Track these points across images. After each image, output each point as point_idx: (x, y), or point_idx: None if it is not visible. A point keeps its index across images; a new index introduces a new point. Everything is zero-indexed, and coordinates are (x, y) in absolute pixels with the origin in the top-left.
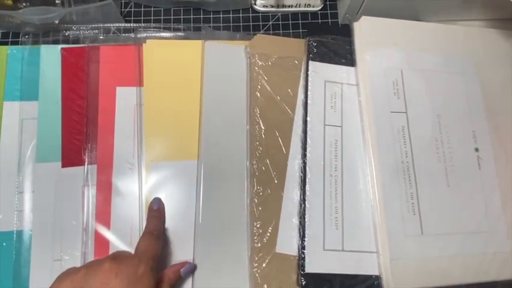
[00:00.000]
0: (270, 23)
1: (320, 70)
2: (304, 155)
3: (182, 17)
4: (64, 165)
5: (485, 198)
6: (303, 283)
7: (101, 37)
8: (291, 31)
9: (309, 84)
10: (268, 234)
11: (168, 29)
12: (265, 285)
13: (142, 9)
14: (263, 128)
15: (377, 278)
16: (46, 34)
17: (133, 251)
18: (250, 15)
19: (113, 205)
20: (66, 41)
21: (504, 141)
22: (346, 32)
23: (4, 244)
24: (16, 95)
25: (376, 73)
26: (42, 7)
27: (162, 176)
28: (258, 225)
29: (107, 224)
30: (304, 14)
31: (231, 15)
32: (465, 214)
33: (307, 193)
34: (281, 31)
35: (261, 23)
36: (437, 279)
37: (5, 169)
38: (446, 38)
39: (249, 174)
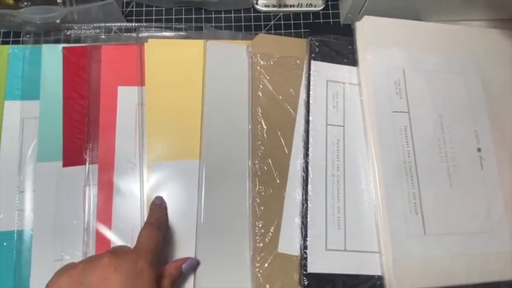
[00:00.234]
0: (272, 22)
1: (321, 70)
2: (306, 155)
3: (184, 16)
4: (65, 165)
5: (488, 198)
6: (306, 283)
7: (102, 36)
8: (292, 31)
9: (311, 83)
10: (270, 234)
11: (170, 29)
12: (268, 285)
13: (144, 8)
14: (265, 127)
15: (380, 278)
16: (47, 33)
17: None
18: (252, 14)
19: (114, 205)
20: (67, 40)
21: (506, 141)
22: (348, 31)
23: (5, 244)
24: (17, 94)
25: (378, 73)
26: (44, 6)
27: (164, 175)
28: (260, 225)
29: (108, 223)
30: (306, 14)
31: (232, 15)
32: (467, 214)
33: (309, 193)
34: (283, 31)
35: (262, 23)
36: (440, 280)
37: (5, 168)
38: (448, 38)
39: (251, 174)
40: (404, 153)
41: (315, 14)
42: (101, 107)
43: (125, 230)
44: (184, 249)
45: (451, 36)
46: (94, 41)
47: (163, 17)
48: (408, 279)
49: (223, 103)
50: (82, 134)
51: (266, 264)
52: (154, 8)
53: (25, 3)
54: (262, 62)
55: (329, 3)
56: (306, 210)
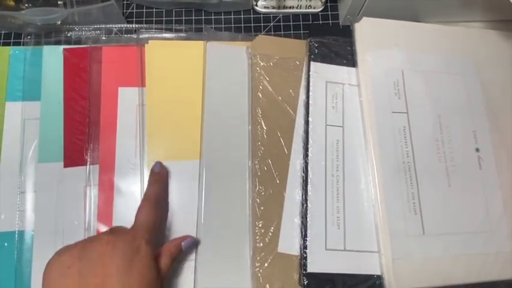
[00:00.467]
0: (271, 24)
1: (321, 71)
2: (306, 155)
3: (184, 18)
4: (66, 165)
5: (487, 198)
6: (305, 283)
7: (103, 38)
8: (292, 32)
9: (311, 84)
10: (270, 234)
11: (170, 30)
12: (268, 285)
13: (144, 10)
14: (265, 128)
15: (379, 277)
16: (48, 35)
17: None
18: (252, 16)
19: (115, 205)
20: (68, 41)
21: (505, 141)
22: (347, 33)
23: (6, 244)
24: (18, 96)
25: (377, 74)
26: (45, 8)
27: None
28: (260, 225)
29: (109, 224)
30: (305, 15)
31: (232, 17)
32: (466, 214)
33: (309, 193)
34: (282, 32)
35: (262, 24)
36: (439, 279)
37: (7, 169)
38: (447, 39)
39: (251, 174)
40: (403, 153)
41: (315, 16)
42: (102, 107)
43: None
44: None
45: (450, 37)
46: (94, 42)
47: (163, 18)
48: (408, 279)
49: (223, 104)
50: (83, 135)
51: (266, 264)
52: (154, 10)
53: (26, 5)
54: (262, 63)
55: (328, 4)
56: (306, 210)
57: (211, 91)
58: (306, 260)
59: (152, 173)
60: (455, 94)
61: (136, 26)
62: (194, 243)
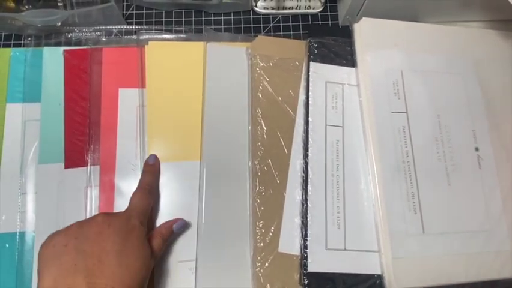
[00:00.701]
0: (271, 24)
1: (320, 71)
2: (306, 155)
3: (183, 19)
4: (66, 167)
5: (486, 197)
6: (306, 282)
7: (103, 39)
8: (291, 33)
9: (310, 85)
10: (271, 234)
11: (170, 31)
12: (268, 285)
13: (144, 11)
14: (265, 128)
15: (379, 276)
16: (49, 36)
17: None
18: (251, 17)
19: (116, 206)
20: (68, 43)
21: (504, 140)
22: (346, 33)
23: (7, 245)
24: (19, 97)
25: (377, 74)
26: (45, 10)
27: (165, 176)
28: (260, 225)
29: None
30: (305, 16)
31: (232, 17)
32: (466, 213)
33: (309, 193)
34: (282, 33)
35: (261, 25)
36: (439, 278)
37: (8, 170)
38: (446, 39)
39: (251, 175)
40: (402, 153)
41: (314, 16)
42: (102, 108)
43: None
44: (185, 249)
45: (449, 37)
46: (94, 44)
47: (163, 19)
48: (408, 278)
49: (223, 104)
50: (83, 136)
51: (267, 264)
52: (154, 11)
53: (26, 7)
54: (261, 64)
55: (328, 5)
56: (306, 210)
57: (211, 92)
58: (306, 260)
59: (147, 164)
60: (455, 94)
61: (136, 27)
62: (185, 226)
